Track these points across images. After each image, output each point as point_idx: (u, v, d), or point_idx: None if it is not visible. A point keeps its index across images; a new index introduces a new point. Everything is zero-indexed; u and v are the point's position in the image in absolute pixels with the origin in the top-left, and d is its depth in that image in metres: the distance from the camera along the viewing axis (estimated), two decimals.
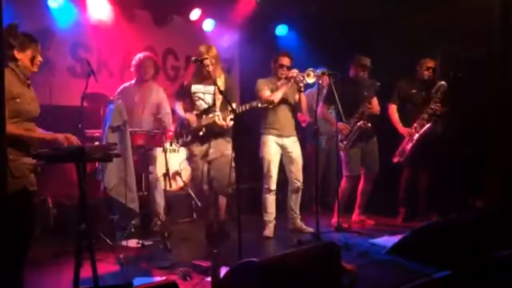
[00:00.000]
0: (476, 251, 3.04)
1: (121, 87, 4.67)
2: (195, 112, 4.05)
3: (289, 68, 4.29)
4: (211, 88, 3.98)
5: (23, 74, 2.70)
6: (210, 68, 3.85)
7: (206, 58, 3.84)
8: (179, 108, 4.15)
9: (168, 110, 4.65)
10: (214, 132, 3.96)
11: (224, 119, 3.89)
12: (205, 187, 4.05)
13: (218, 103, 3.95)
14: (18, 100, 2.59)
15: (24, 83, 2.70)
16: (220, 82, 3.94)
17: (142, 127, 4.52)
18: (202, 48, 3.96)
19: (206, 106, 4.02)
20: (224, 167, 3.86)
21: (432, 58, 4.71)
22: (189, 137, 4.05)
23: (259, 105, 3.97)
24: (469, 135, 4.85)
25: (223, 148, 3.97)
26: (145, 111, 4.58)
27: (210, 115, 3.94)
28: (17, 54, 2.66)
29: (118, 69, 5.78)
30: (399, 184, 4.85)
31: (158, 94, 4.69)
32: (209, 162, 4.00)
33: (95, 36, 5.48)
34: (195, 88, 4.05)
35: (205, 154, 4.02)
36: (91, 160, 3.24)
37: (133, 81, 4.68)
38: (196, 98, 4.04)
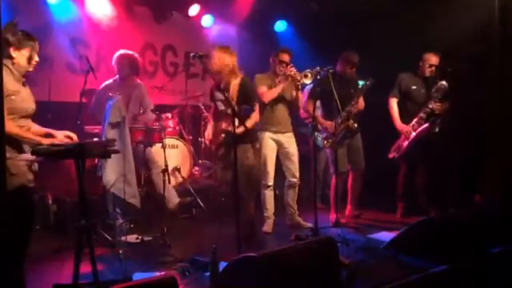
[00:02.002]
0: (474, 246, 3.06)
1: (103, 84, 4.62)
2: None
3: (287, 65, 4.29)
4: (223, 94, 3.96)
5: (18, 72, 2.69)
6: (214, 70, 3.84)
7: (206, 55, 3.82)
8: (210, 114, 4.18)
9: (150, 105, 4.66)
10: (231, 136, 3.81)
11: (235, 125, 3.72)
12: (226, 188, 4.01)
13: (229, 110, 3.80)
14: (13, 97, 2.59)
15: (19, 81, 2.70)
16: (233, 85, 3.89)
17: None
18: (212, 52, 3.89)
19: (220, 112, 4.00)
20: (246, 176, 3.80)
21: (435, 54, 4.66)
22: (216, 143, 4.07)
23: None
24: (469, 131, 4.85)
25: (242, 157, 3.77)
26: (128, 108, 4.53)
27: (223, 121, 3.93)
28: (13, 52, 2.66)
29: None
30: (397, 180, 4.86)
31: (141, 90, 4.68)
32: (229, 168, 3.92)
33: (94, 32, 5.48)
34: (215, 94, 4.03)
35: (226, 161, 3.93)
36: (90, 156, 3.25)
37: (116, 78, 4.65)
38: (218, 104, 4.03)
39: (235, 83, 3.92)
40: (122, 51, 4.63)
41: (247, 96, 3.87)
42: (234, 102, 3.84)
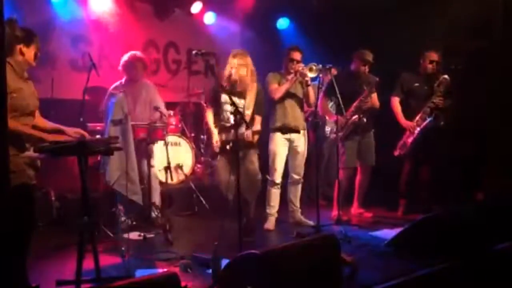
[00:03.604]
0: (476, 243, 3.06)
1: (111, 88, 4.52)
2: (223, 123, 4.02)
3: (298, 62, 4.31)
4: (241, 102, 3.94)
5: (20, 68, 2.70)
6: (234, 77, 3.89)
7: (207, 53, 3.82)
8: (209, 117, 4.12)
9: (161, 104, 4.60)
10: (240, 146, 3.82)
11: (252, 135, 3.86)
12: (230, 196, 3.96)
13: (247, 119, 3.86)
14: (15, 95, 2.59)
15: (21, 78, 2.71)
16: (251, 94, 3.96)
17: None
18: (235, 56, 3.95)
19: (232, 117, 3.82)
20: (252, 180, 3.91)
21: (436, 51, 4.66)
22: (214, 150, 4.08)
23: None
24: (470, 129, 4.84)
25: (247, 161, 3.98)
26: (136, 109, 4.52)
27: (239, 131, 3.77)
28: (23, 49, 2.67)
29: (120, 62, 5.78)
30: (400, 177, 4.86)
31: (149, 91, 4.63)
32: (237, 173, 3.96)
33: (96, 30, 5.48)
34: (224, 98, 3.95)
35: (231, 168, 3.92)
36: (93, 153, 3.26)
37: (122, 80, 4.58)
38: (225, 109, 3.99)
39: (253, 91, 3.99)
40: (133, 53, 4.56)
41: (260, 104, 4.03)
42: (251, 110, 3.97)
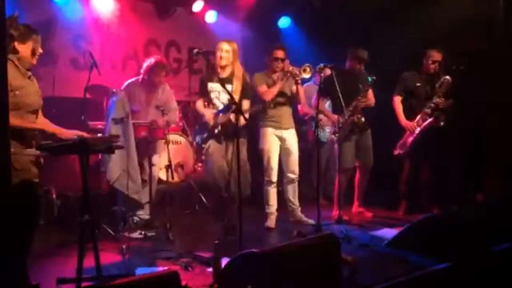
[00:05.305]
0: (475, 243, 3.06)
1: (126, 83, 4.50)
2: (212, 110, 4.10)
3: (283, 61, 4.30)
4: (227, 87, 3.93)
5: (23, 66, 2.70)
6: (223, 63, 3.94)
7: (208, 52, 3.84)
8: (200, 105, 4.18)
9: (175, 105, 4.63)
10: (229, 130, 3.95)
11: (237, 118, 3.86)
12: (222, 183, 4.02)
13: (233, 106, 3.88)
14: (17, 92, 2.59)
15: (24, 75, 2.70)
16: (238, 79, 3.99)
17: None
18: (222, 44, 4.02)
19: (221, 105, 4.06)
20: (242, 170, 3.77)
21: (438, 51, 4.65)
22: (205, 134, 4.08)
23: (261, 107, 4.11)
24: (471, 129, 4.84)
25: (240, 151, 3.85)
26: (150, 110, 4.47)
27: (226, 114, 3.96)
28: (18, 46, 2.66)
29: (121, 61, 5.79)
30: (401, 177, 4.86)
31: (164, 91, 4.61)
32: (227, 164, 4.00)
33: (97, 28, 5.49)
34: (210, 86, 4.08)
35: (224, 153, 4.02)
36: (94, 152, 3.26)
37: (139, 78, 4.52)
38: (213, 97, 4.07)
39: (239, 77, 4.02)
40: (158, 57, 4.52)
41: (247, 89, 4.05)
42: (238, 96, 3.96)
